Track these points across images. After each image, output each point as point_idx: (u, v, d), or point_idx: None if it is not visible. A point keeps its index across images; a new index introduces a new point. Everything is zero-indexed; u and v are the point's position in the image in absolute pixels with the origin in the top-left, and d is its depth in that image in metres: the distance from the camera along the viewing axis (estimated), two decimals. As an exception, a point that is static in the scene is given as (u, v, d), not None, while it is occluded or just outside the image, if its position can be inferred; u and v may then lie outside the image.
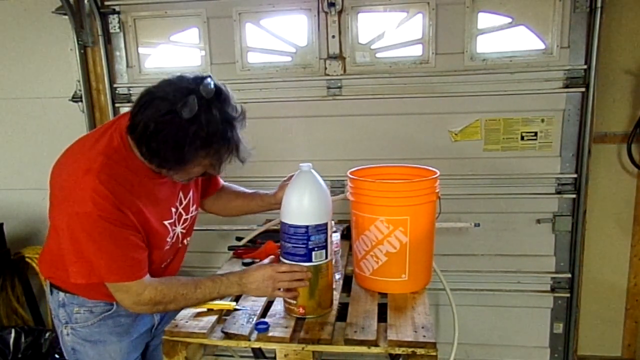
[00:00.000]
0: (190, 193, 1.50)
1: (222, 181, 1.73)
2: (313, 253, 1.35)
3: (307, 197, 1.33)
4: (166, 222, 1.40)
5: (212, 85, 1.19)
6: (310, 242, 1.34)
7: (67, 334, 1.44)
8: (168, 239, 1.42)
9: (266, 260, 1.45)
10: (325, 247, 1.38)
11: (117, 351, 1.46)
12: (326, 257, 1.38)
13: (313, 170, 1.37)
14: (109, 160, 1.24)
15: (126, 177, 1.26)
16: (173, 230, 1.44)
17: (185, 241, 1.54)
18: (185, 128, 1.15)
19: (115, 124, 1.31)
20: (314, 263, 1.36)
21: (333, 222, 1.65)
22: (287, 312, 1.42)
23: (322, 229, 1.36)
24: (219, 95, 1.20)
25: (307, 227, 1.33)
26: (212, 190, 1.69)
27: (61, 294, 1.43)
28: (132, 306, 1.32)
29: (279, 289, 1.38)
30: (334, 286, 1.58)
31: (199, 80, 1.20)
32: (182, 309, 1.40)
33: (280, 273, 1.37)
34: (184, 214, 1.47)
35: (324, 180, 1.39)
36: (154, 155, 1.20)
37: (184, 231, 1.50)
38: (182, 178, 1.32)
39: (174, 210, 1.42)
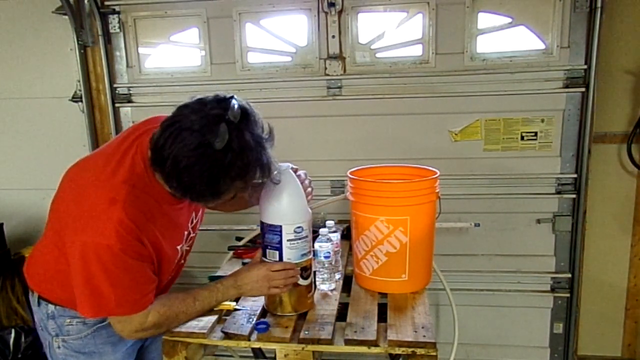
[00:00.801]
0: (200, 212, 1.49)
1: None
2: (266, 251, 1.39)
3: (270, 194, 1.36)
4: (178, 247, 1.38)
5: (238, 107, 1.13)
6: (265, 240, 1.38)
7: (58, 347, 1.37)
8: (176, 261, 1.41)
9: (257, 257, 1.44)
10: (280, 250, 1.38)
11: None
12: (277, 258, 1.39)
13: (290, 171, 1.37)
14: (134, 190, 1.19)
15: (149, 206, 1.22)
16: (181, 250, 1.42)
17: (187, 257, 1.52)
18: (219, 160, 1.09)
19: (137, 145, 1.24)
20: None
21: (333, 222, 1.66)
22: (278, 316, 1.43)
23: (275, 230, 1.36)
24: (247, 116, 1.14)
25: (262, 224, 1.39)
26: None
27: (50, 306, 1.36)
28: (132, 335, 1.29)
29: (275, 287, 1.38)
30: (334, 286, 1.58)
31: (224, 103, 1.13)
32: (183, 324, 1.36)
33: (275, 272, 1.37)
34: (192, 232, 1.46)
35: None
36: (187, 190, 1.15)
37: (188, 248, 1.48)
38: (214, 204, 1.30)
39: (186, 233, 1.41)
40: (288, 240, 1.36)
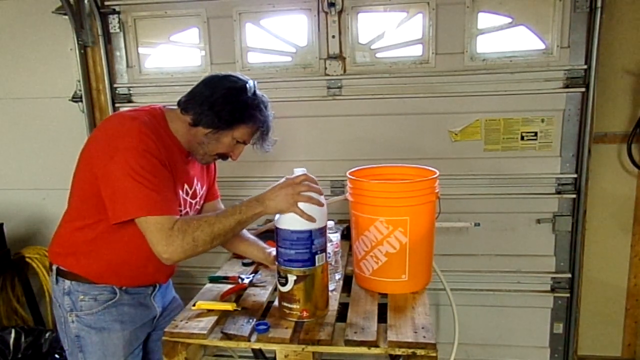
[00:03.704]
0: (205, 187, 1.66)
1: (219, 196, 1.80)
2: (316, 257, 1.35)
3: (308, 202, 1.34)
4: (181, 193, 1.50)
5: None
6: (313, 247, 1.34)
7: (72, 321, 1.48)
8: (180, 209, 1.50)
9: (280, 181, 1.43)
10: (325, 250, 1.38)
11: (119, 338, 1.50)
12: (325, 260, 1.39)
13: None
14: (152, 119, 1.42)
15: (161, 138, 1.40)
16: (185, 208, 1.54)
17: None
18: (248, 97, 1.45)
19: (145, 108, 1.49)
20: (316, 266, 1.36)
21: (333, 222, 1.66)
22: (284, 317, 1.41)
23: (323, 232, 1.36)
24: (262, 96, 1.52)
25: (310, 231, 1.33)
26: (211, 197, 1.74)
27: (67, 282, 1.47)
28: (164, 245, 1.31)
29: (300, 199, 1.34)
30: (334, 287, 1.59)
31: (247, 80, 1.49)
32: (211, 241, 1.37)
33: (298, 184, 1.35)
34: (197, 202, 1.62)
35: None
36: (211, 109, 1.42)
37: None
38: (212, 149, 1.50)
39: (187, 187, 1.53)
40: (286, 242, 1.36)
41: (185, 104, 1.46)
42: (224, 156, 1.55)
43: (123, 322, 1.50)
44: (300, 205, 1.33)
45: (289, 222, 1.34)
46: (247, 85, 1.46)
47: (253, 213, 1.38)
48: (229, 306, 1.45)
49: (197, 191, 1.59)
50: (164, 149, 1.38)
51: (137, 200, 1.31)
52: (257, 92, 1.49)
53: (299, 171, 1.37)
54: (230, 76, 1.48)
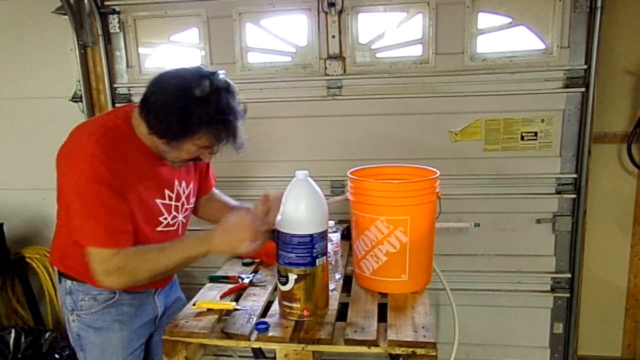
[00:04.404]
0: (192, 184, 1.57)
1: (214, 185, 1.77)
2: (317, 260, 1.35)
3: (308, 205, 1.33)
4: (159, 201, 1.44)
5: (224, 79, 1.32)
6: (314, 250, 1.34)
7: (73, 320, 1.49)
8: (162, 219, 1.46)
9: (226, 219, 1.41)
10: (326, 253, 1.38)
11: (118, 338, 1.50)
12: (325, 259, 1.39)
13: (309, 178, 1.36)
14: (109, 132, 1.33)
15: (124, 149, 1.34)
16: (171, 213, 1.49)
17: (185, 234, 1.59)
18: (194, 103, 1.25)
19: (119, 109, 1.45)
20: (316, 265, 1.36)
21: (333, 222, 1.66)
22: (284, 316, 1.41)
23: (324, 235, 1.36)
24: (229, 87, 1.32)
25: (311, 235, 1.33)
26: (205, 189, 1.72)
27: (68, 282, 1.48)
28: (102, 276, 1.32)
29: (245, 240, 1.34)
30: (334, 286, 1.59)
31: (214, 71, 1.32)
32: (151, 277, 1.36)
33: (243, 225, 1.34)
34: (185, 202, 1.54)
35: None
36: (160, 122, 1.27)
37: (184, 220, 1.56)
38: (176, 157, 1.38)
39: (168, 192, 1.46)
40: (287, 246, 1.36)
41: (140, 109, 1.33)
42: (196, 160, 1.44)
43: (122, 322, 1.50)
44: (301, 205, 1.33)
45: (290, 225, 1.34)
46: (199, 87, 1.25)
47: (198, 252, 1.36)
48: (229, 305, 1.45)
49: (182, 192, 1.52)
50: (123, 166, 1.32)
51: (81, 229, 1.31)
52: (218, 86, 1.28)
53: (300, 174, 1.36)
54: (181, 74, 1.30)
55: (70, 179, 1.29)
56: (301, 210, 1.33)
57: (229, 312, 1.45)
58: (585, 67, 2.21)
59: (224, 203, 1.77)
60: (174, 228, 1.51)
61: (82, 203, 1.29)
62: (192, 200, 1.59)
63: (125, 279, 1.33)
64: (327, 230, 1.39)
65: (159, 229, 1.46)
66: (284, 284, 1.38)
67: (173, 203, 1.49)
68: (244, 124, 1.35)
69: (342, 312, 1.46)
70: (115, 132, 1.34)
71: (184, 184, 1.52)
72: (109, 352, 1.50)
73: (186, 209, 1.56)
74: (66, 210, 1.34)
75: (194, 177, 1.59)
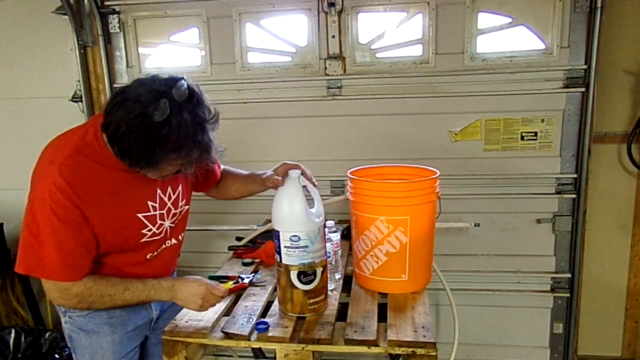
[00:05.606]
0: (180, 187, 1.49)
1: (221, 168, 1.70)
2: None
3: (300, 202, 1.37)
4: (141, 215, 1.38)
5: (185, 88, 1.18)
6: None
7: (65, 322, 1.47)
8: (146, 231, 1.41)
9: (198, 278, 1.44)
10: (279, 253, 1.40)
11: (109, 342, 1.47)
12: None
13: (296, 180, 1.40)
14: (76, 154, 1.26)
15: (94, 170, 1.27)
16: (156, 223, 1.43)
17: (180, 237, 1.54)
18: (156, 131, 1.14)
19: (93, 120, 1.35)
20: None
21: (333, 222, 1.66)
22: (283, 313, 1.42)
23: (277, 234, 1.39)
24: (191, 97, 1.20)
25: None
26: (212, 182, 1.67)
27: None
28: (56, 300, 1.34)
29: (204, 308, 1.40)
30: (334, 286, 1.59)
31: (172, 82, 1.19)
32: (109, 309, 1.40)
33: (213, 295, 1.38)
34: (172, 208, 1.47)
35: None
36: (125, 155, 1.20)
37: (172, 225, 1.49)
38: (155, 176, 1.31)
39: (151, 203, 1.40)
40: (285, 247, 1.37)
41: (104, 131, 1.23)
42: (178, 172, 1.32)
43: (113, 326, 1.46)
44: (300, 204, 1.35)
45: (286, 225, 1.37)
46: (158, 112, 1.13)
47: (159, 298, 1.39)
48: (227, 284, 1.52)
49: (166, 200, 1.45)
50: (93, 188, 1.26)
51: (37, 258, 1.30)
52: (179, 102, 1.16)
53: (294, 174, 1.39)
54: (137, 96, 1.17)
55: (33, 204, 1.26)
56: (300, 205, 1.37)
57: (229, 312, 1.45)
58: (585, 67, 2.21)
59: (234, 175, 1.71)
60: (161, 236, 1.46)
61: (39, 232, 1.26)
62: (182, 203, 1.50)
63: (81, 306, 1.35)
64: (279, 231, 1.40)
65: (143, 240, 1.42)
66: (310, 282, 1.38)
67: (157, 212, 1.43)
68: (217, 128, 1.26)
69: (342, 312, 1.46)
70: (85, 152, 1.27)
71: (169, 190, 1.45)
72: (99, 355, 1.47)
73: (174, 214, 1.48)
74: (28, 231, 1.31)
75: (182, 180, 1.50)
